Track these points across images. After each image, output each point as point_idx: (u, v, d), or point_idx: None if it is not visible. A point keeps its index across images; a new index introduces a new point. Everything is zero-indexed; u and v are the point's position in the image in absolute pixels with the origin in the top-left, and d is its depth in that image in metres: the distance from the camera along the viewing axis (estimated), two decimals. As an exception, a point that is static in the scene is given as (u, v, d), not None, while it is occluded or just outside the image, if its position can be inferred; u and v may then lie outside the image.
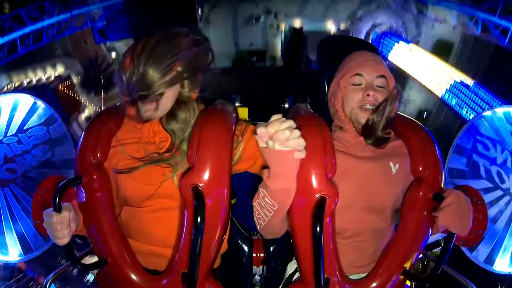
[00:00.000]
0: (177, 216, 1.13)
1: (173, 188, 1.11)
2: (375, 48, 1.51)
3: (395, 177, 1.22)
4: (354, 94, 1.23)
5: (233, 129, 1.13)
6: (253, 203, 1.09)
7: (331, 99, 1.33)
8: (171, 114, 1.13)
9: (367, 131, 1.22)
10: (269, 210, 1.05)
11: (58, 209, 1.02)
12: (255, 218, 1.13)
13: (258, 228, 1.15)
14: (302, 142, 0.91)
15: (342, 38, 1.55)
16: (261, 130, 0.90)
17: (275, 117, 0.91)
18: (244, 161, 1.17)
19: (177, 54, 1.07)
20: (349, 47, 1.39)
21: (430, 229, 1.19)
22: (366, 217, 1.20)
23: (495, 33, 8.15)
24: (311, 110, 1.27)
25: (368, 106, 1.21)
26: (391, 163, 1.23)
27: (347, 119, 1.26)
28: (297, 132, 0.90)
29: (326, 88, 1.44)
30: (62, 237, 1.03)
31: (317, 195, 1.03)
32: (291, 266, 1.38)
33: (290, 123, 0.90)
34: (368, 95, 1.20)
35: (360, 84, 1.23)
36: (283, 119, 0.90)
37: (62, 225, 1.02)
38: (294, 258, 1.38)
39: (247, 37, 11.89)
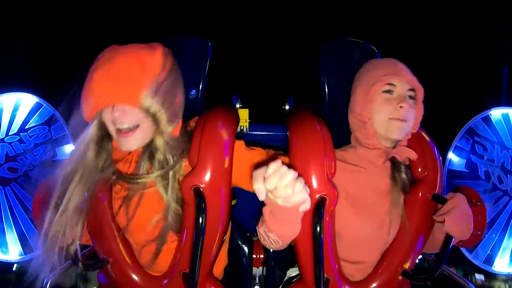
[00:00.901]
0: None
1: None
2: (376, 54, 1.51)
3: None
4: (385, 105, 1.16)
5: (235, 130, 1.13)
6: (258, 229, 1.05)
7: (355, 109, 1.23)
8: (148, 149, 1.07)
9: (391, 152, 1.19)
10: (275, 242, 1.03)
11: None
12: (260, 239, 1.07)
13: (264, 245, 1.11)
14: (307, 195, 0.81)
15: (344, 41, 1.54)
16: (258, 186, 0.78)
17: (273, 166, 0.78)
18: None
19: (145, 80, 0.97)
20: (352, 51, 1.39)
21: (430, 230, 1.20)
22: (381, 247, 1.19)
23: None
24: (311, 112, 1.28)
25: (397, 121, 1.15)
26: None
27: (376, 135, 1.19)
28: (299, 186, 0.78)
29: (327, 90, 1.45)
30: None
31: (317, 196, 1.03)
32: (293, 271, 1.39)
33: (292, 174, 0.77)
34: (401, 107, 1.14)
35: (391, 94, 1.17)
36: (283, 169, 0.77)
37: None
38: (296, 265, 1.38)
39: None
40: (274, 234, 0.99)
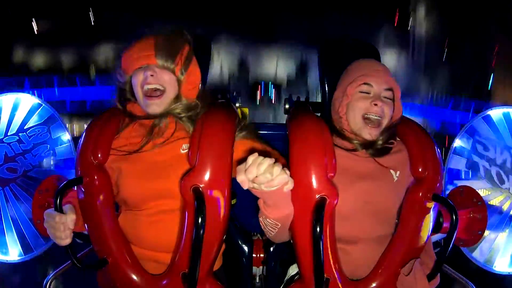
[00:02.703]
0: (177, 219, 1.13)
1: (175, 187, 1.11)
2: (378, 53, 1.51)
3: (397, 184, 1.21)
4: (360, 102, 1.21)
5: (234, 129, 1.13)
6: (259, 218, 1.11)
7: (335, 104, 1.30)
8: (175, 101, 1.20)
9: (367, 145, 1.22)
10: (274, 227, 1.09)
11: (59, 210, 1.02)
12: (263, 230, 1.14)
13: (268, 237, 1.17)
14: (286, 176, 0.89)
15: (345, 40, 1.55)
16: (240, 178, 0.88)
17: (250, 159, 0.88)
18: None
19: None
20: (352, 50, 1.39)
21: (430, 230, 1.20)
22: (372, 224, 1.19)
23: None
24: (311, 111, 1.28)
25: (372, 117, 1.20)
26: (391, 171, 1.22)
27: (349, 129, 1.25)
28: (277, 169, 0.87)
29: (327, 89, 1.44)
30: (64, 238, 1.04)
31: (317, 196, 1.03)
32: (293, 269, 1.38)
33: (268, 161, 0.87)
34: (375, 104, 1.19)
35: (368, 93, 1.22)
36: (259, 159, 0.87)
37: (64, 226, 1.02)
38: (295, 263, 1.38)
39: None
40: (271, 219, 1.06)
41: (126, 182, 1.15)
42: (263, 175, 0.87)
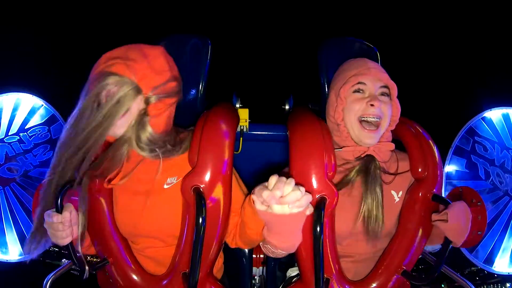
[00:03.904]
0: (169, 251, 1.12)
1: (160, 226, 1.09)
2: (376, 53, 1.51)
3: (398, 204, 1.19)
4: (355, 104, 1.13)
5: (235, 130, 1.13)
6: (261, 244, 1.09)
7: (329, 111, 1.21)
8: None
9: (364, 171, 1.15)
10: (277, 255, 1.07)
11: (60, 210, 1.02)
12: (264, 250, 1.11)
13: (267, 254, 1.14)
14: (310, 196, 0.85)
15: (344, 40, 1.53)
16: (266, 193, 0.82)
17: (275, 178, 0.83)
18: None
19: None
20: (351, 50, 1.38)
21: (430, 229, 1.20)
22: (369, 243, 1.17)
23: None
24: (311, 111, 1.28)
25: (370, 119, 1.13)
26: (393, 192, 1.19)
27: (349, 136, 1.17)
28: (303, 189, 0.83)
29: (326, 90, 1.44)
30: (64, 237, 1.01)
31: (317, 196, 1.03)
32: (293, 271, 1.39)
33: (293, 180, 0.83)
34: (372, 105, 1.11)
35: (362, 93, 1.15)
36: (284, 178, 0.83)
37: (64, 225, 1.00)
38: (296, 264, 1.38)
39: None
40: (278, 249, 1.03)
41: (116, 215, 1.13)
42: (293, 192, 0.82)
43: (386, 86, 1.16)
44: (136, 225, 1.10)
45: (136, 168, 1.08)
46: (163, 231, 1.10)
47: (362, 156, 1.16)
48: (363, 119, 1.14)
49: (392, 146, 1.19)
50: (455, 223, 1.05)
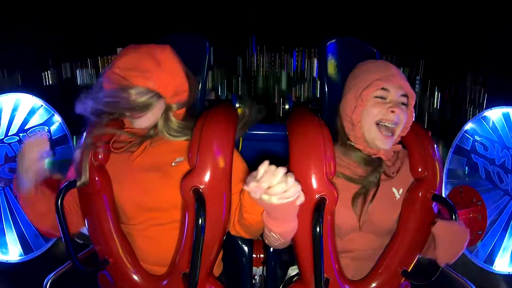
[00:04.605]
0: (171, 232, 1.13)
1: (168, 197, 1.11)
2: (375, 54, 1.51)
3: (399, 201, 1.20)
4: (375, 108, 1.14)
5: (234, 130, 1.13)
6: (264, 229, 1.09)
7: (346, 110, 1.21)
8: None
9: (371, 163, 1.18)
10: (276, 240, 1.06)
11: (60, 210, 1.02)
12: (265, 239, 1.11)
13: (270, 245, 1.15)
14: (299, 187, 0.86)
15: (345, 41, 1.53)
16: (253, 185, 0.83)
17: (263, 167, 0.83)
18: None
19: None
20: (352, 50, 1.38)
21: (430, 229, 1.20)
22: (369, 239, 1.18)
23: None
24: (311, 111, 1.27)
25: (388, 124, 1.14)
26: (394, 189, 1.19)
27: (363, 138, 1.18)
28: (291, 179, 0.84)
29: (327, 89, 1.44)
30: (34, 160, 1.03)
31: (317, 196, 1.03)
32: (293, 270, 1.39)
33: (282, 170, 0.83)
34: (393, 112, 1.12)
35: (383, 99, 1.15)
36: (273, 168, 0.83)
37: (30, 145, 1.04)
38: (296, 263, 1.38)
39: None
40: (275, 233, 1.03)
41: (119, 194, 1.15)
42: (278, 184, 0.83)
43: (406, 95, 1.17)
44: (144, 198, 1.13)
45: (150, 146, 1.17)
46: (167, 202, 1.12)
47: (372, 157, 1.19)
48: (381, 123, 1.15)
49: (399, 147, 1.22)
50: (445, 246, 1.06)
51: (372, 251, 1.21)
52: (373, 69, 1.20)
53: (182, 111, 1.19)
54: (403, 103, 1.16)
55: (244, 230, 1.15)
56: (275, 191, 0.83)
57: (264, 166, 0.84)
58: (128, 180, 1.14)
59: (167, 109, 1.14)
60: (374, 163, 1.18)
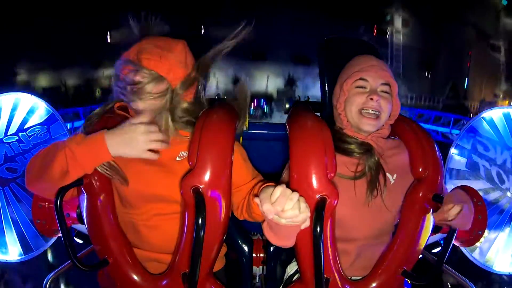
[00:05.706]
0: (173, 221, 1.14)
1: (171, 192, 1.12)
2: (377, 52, 1.51)
3: (395, 186, 1.21)
4: (356, 97, 1.21)
5: (234, 130, 1.13)
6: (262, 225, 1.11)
7: (334, 103, 1.30)
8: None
9: (365, 148, 1.21)
10: (277, 243, 1.09)
11: (60, 210, 1.02)
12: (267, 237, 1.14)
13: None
14: (308, 213, 0.89)
15: (345, 39, 1.54)
16: (267, 207, 0.87)
17: (279, 190, 0.87)
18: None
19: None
20: (352, 49, 1.38)
21: (430, 230, 1.20)
22: (369, 224, 1.19)
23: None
24: (311, 110, 1.27)
25: (370, 111, 1.19)
26: (388, 174, 1.22)
27: (349, 125, 1.24)
28: (303, 206, 0.88)
29: (327, 88, 1.44)
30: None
31: (317, 196, 1.03)
32: (291, 268, 1.39)
33: (297, 196, 0.87)
34: (371, 99, 1.18)
35: (364, 88, 1.22)
36: (288, 192, 0.87)
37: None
38: (294, 260, 1.38)
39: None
40: (274, 243, 1.09)
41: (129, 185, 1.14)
42: (292, 210, 0.86)
43: (387, 84, 1.22)
44: (147, 190, 1.14)
45: None
46: (170, 196, 1.13)
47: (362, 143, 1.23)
48: (363, 111, 1.20)
49: (386, 133, 1.26)
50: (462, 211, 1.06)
51: (374, 239, 1.20)
52: (354, 62, 1.28)
53: (189, 99, 1.18)
54: (385, 92, 1.21)
55: (251, 219, 1.20)
56: (287, 215, 0.87)
57: (281, 189, 0.87)
58: (132, 170, 1.14)
59: (174, 96, 1.14)
60: (366, 145, 1.22)
